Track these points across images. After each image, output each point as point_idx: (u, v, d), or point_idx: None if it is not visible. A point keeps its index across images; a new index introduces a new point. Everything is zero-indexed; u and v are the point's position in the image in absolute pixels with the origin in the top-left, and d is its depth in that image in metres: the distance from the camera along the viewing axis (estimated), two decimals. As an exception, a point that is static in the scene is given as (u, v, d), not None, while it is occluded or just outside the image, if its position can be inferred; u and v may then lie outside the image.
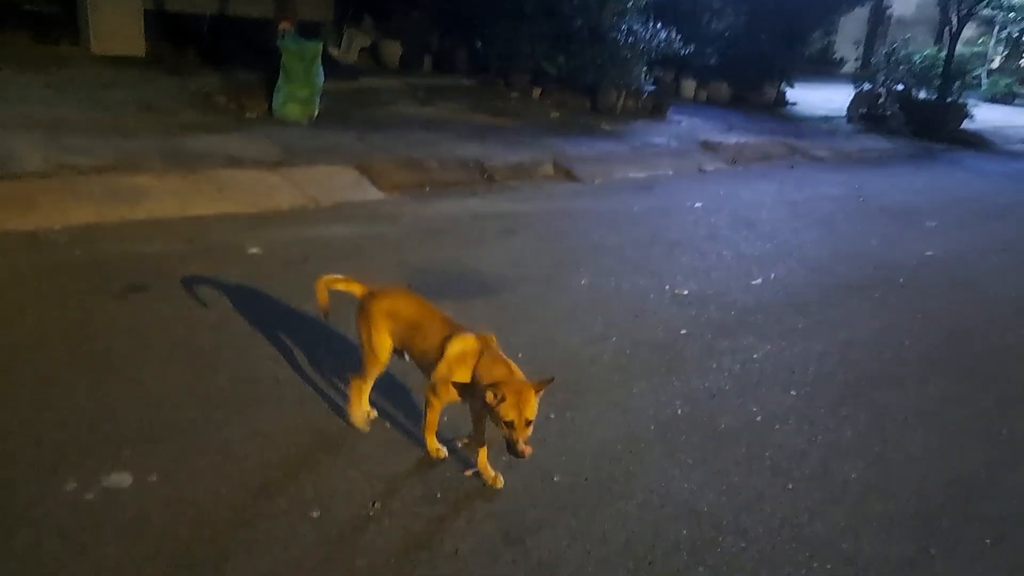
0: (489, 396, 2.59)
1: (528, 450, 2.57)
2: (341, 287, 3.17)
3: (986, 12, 20.16)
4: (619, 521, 2.81)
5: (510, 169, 8.56)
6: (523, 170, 8.68)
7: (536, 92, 13.21)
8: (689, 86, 16.36)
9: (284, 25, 9.38)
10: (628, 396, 3.78)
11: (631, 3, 13.27)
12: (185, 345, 3.83)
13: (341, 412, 3.33)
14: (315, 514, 2.71)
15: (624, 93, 13.15)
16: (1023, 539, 2.95)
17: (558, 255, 5.99)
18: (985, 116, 16.34)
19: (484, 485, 2.95)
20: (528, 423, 2.58)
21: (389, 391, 3.53)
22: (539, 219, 6.99)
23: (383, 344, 3.03)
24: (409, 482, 2.95)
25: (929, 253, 6.94)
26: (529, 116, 11.67)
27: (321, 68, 9.18)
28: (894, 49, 16.45)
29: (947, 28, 15.19)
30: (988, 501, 3.20)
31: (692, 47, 14.40)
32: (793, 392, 4.00)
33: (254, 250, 5.34)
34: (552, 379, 2.65)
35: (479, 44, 13.97)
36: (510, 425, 2.56)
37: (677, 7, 14.77)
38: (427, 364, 2.92)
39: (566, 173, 8.84)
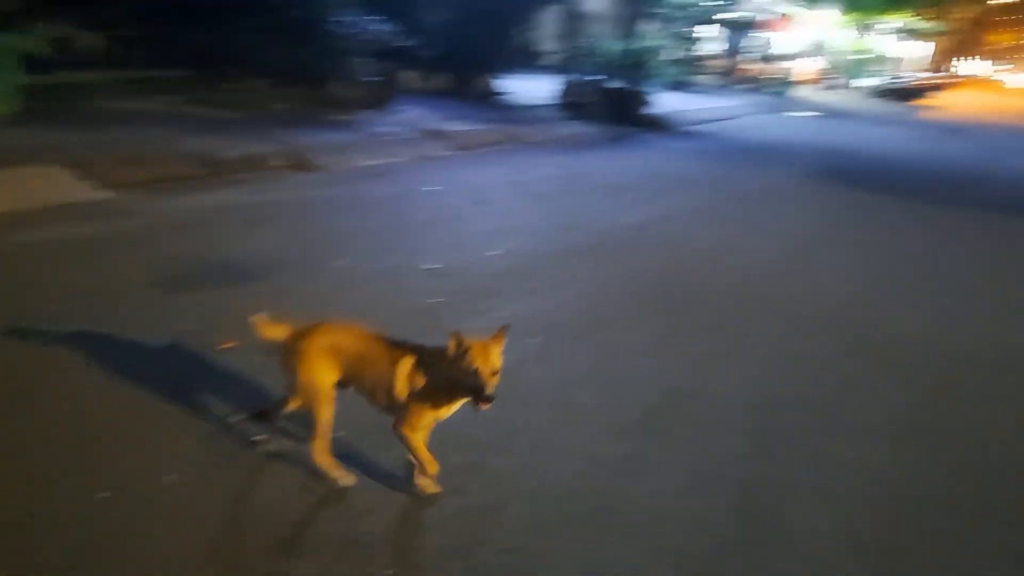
0: (451, 346, 2.64)
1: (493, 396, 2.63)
2: (268, 333, 2.92)
3: (660, 10, 23.07)
4: (405, 455, 3.17)
5: (243, 161, 8.48)
6: (256, 162, 8.63)
7: (258, 84, 12.98)
8: (411, 77, 16.89)
9: (-34, 13, 8.42)
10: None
11: (346, -6, 13.50)
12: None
13: (117, 395, 3.35)
14: (106, 495, 2.76)
15: (348, 84, 13.37)
16: (715, 430, 3.75)
17: (309, 241, 6.17)
18: (665, 102, 18.67)
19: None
20: (494, 373, 2.65)
21: (165, 369, 3.58)
22: (283, 209, 7.09)
23: (327, 381, 2.87)
24: (198, 455, 3.08)
25: (632, 220, 8.05)
26: (254, 108, 11.50)
27: (16, 62, 8.38)
28: (587, 43, 18.31)
29: (633, 24, 17.25)
30: (691, 404, 4.00)
31: (411, 39, 14.96)
32: (534, 339, 4.60)
33: (-28, 257, 4.93)
34: (508, 326, 2.75)
35: (191, 35, 13.37)
36: (475, 373, 2.63)
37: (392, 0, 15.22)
38: (381, 391, 2.85)
39: (301, 164, 8.92)
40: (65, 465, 2.91)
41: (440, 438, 3.30)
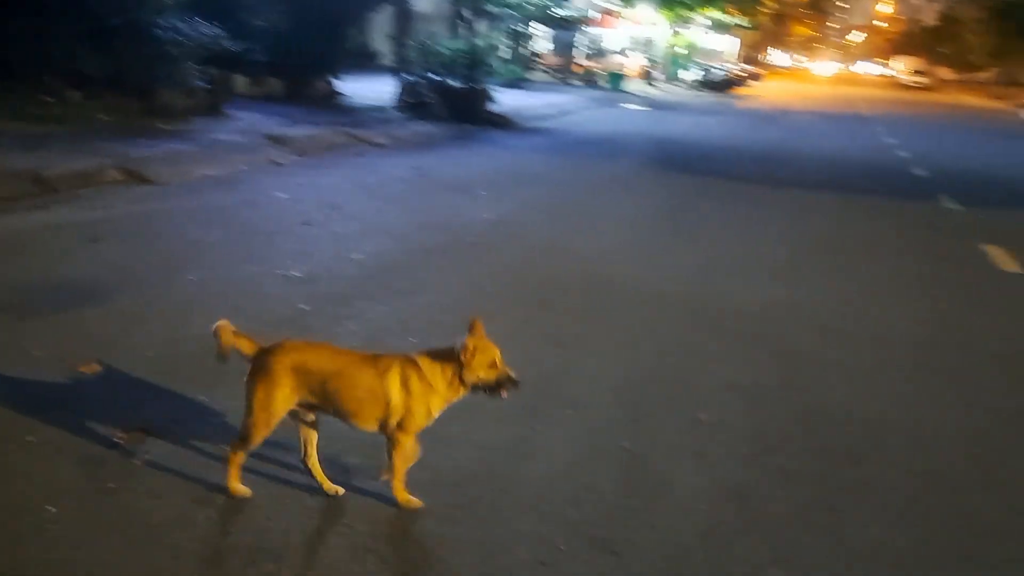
0: (463, 355, 2.76)
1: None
2: (229, 340, 2.81)
3: (492, 9, 23.51)
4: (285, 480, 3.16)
5: (74, 177, 7.94)
6: (88, 177, 8.10)
7: (77, 95, 12.10)
8: (242, 82, 16.33)
9: None
10: (271, 368, 4.08)
11: (172, -1, 12.85)
12: None
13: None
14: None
15: (177, 91, 12.74)
16: (593, 407, 3.98)
17: (158, 256, 5.91)
18: (504, 99, 19.06)
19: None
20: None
21: (28, 396, 3.36)
22: (125, 224, 6.73)
23: (284, 404, 2.79)
24: (81, 481, 2.93)
25: (486, 217, 8.23)
26: (76, 121, 10.74)
27: None
28: (424, 42, 18.38)
29: (466, 22, 17.48)
30: (567, 386, 4.21)
31: (240, 44, 14.44)
32: (412, 339, 4.64)
33: None
34: (475, 317, 2.90)
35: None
36: (493, 364, 2.78)
37: (218, 3, 14.63)
38: (371, 408, 2.82)
39: (138, 176, 8.45)
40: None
41: (332, 439, 3.33)
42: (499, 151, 13.73)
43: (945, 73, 79.74)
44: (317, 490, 2.99)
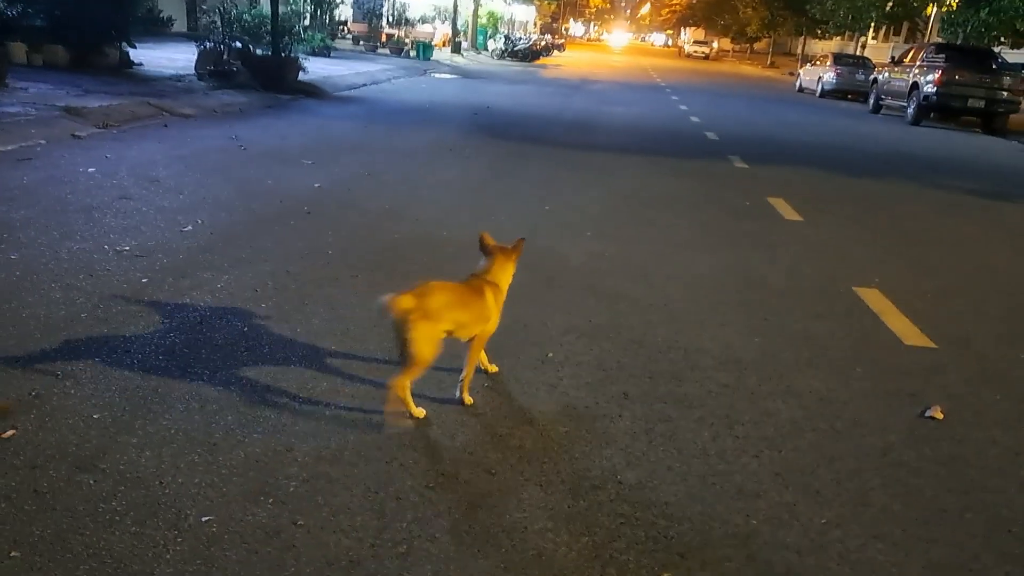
0: (517, 253, 3.82)
1: None
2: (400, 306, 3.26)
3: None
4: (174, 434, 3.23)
5: None
6: None
7: None
8: (19, 50, 14.89)
9: None
10: (123, 342, 4.02)
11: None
12: None
13: None
14: None
15: (-54, 61, 11.49)
16: (455, 357, 4.27)
17: (-35, 237, 5.49)
18: (313, 68, 18.62)
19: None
20: None
21: None
22: (-85, 205, 6.14)
23: (439, 336, 3.38)
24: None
25: (317, 185, 8.23)
26: None
27: None
28: (223, 8, 17.53)
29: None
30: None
31: (15, 7, 13.16)
32: (263, 305, 4.72)
33: None
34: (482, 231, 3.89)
35: None
36: None
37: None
38: (480, 326, 3.58)
39: (-82, 154, 7.67)
40: None
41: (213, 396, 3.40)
42: (316, 120, 13.54)
43: (725, 44, 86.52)
44: (200, 442, 3.10)
